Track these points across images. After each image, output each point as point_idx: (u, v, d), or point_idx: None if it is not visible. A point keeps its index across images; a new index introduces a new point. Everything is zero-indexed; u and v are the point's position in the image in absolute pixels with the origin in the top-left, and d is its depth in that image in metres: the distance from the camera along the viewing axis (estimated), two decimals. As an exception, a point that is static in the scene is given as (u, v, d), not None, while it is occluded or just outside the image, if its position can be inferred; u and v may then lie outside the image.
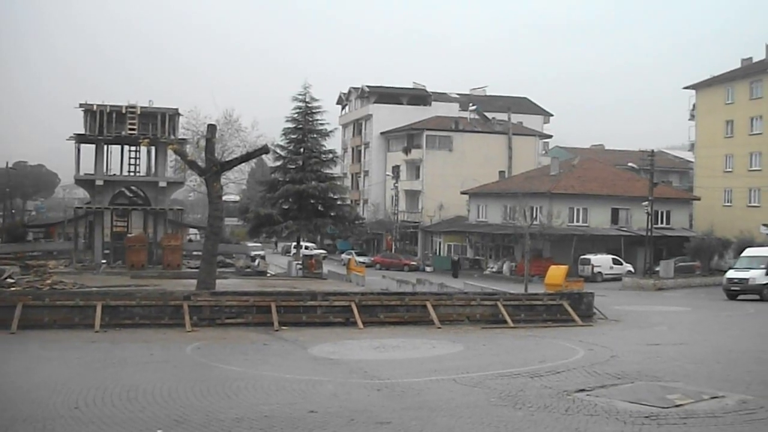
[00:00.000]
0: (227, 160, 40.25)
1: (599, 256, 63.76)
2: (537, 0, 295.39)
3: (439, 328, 26.93)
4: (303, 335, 24.23)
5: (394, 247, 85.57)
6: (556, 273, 40.47)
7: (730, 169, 74.62)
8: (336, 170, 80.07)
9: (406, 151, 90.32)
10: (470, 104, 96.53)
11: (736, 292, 45.96)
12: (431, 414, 13.55)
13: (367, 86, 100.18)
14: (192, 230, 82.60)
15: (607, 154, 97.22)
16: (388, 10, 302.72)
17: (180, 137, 60.74)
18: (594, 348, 22.49)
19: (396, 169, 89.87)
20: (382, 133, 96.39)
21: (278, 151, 67.47)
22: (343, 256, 78.58)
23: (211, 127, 36.57)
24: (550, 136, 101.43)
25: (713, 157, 75.36)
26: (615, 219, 69.68)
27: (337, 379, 16.96)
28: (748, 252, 49.21)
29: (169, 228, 59.52)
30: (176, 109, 58.64)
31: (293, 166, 67.41)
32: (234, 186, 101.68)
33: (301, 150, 67.44)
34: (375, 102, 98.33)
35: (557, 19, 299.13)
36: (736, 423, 12.94)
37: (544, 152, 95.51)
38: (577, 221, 68.30)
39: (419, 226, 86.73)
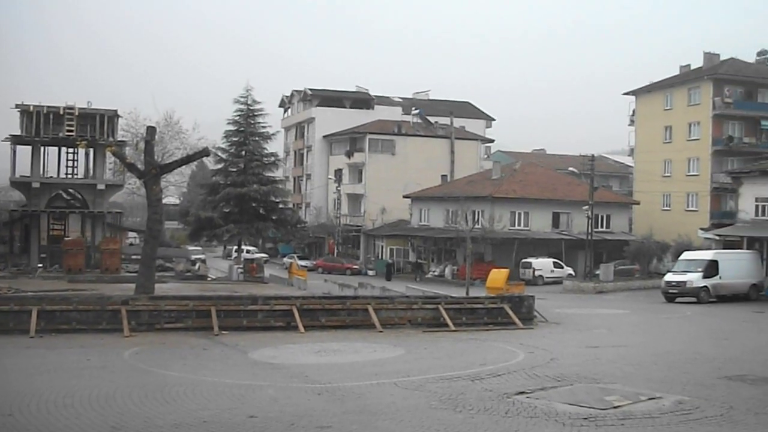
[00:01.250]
0: (167, 162, 39.98)
1: (540, 260, 64.36)
2: (478, 7, 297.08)
3: (381, 331, 26.88)
4: (243, 340, 24.03)
5: (336, 250, 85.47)
6: (498, 276, 40.66)
7: (668, 174, 75.99)
8: (278, 173, 79.73)
9: (349, 154, 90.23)
10: (413, 108, 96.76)
11: (674, 294, 46.71)
12: (372, 418, 13.52)
13: (310, 89, 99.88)
14: (131, 234, 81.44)
15: (549, 159, 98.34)
16: (330, 11, 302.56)
17: (119, 139, 60.01)
18: (534, 351, 22.66)
19: (338, 173, 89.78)
20: (324, 137, 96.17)
21: (219, 153, 67.03)
22: (285, 259, 78.33)
23: (151, 130, 36.21)
24: (493, 141, 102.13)
25: (652, 162, 76.65)
26: (556, 223, 70.41)
27: (278, 384, 16.85)
28: (686, 255, 50.08)
29: (107, 231, 58.63)
30: (115, 111, 57.85)
31: (235, 169, 67.02)
32: (174, 189, 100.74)
33: (243, 153, 67.08)
34: (318, 105, 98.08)
35: (500, 25, 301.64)
36: (672, 423, 13.14)
37: (486, 156, 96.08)
38: (519, 225, 68.87)
39: (362, 230, 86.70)
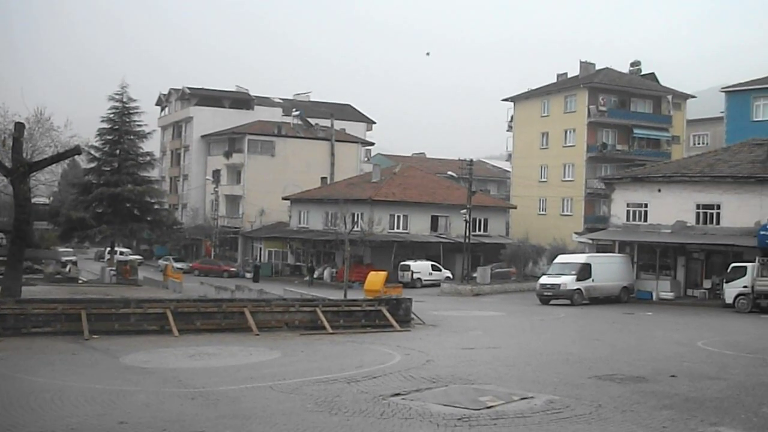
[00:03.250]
0: (36, 160, 38.55)
1: (419, 263, 64.87)
2: (360, 12, 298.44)
3: (257, 335, 26.59)
4: (115, 344, 23.38)
5: (213, 252, 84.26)
6: (375, 279, 40.87)
7: (545, 179, 77.97)
8: (154, 173, 77.89)
9: (228, 155, 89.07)
10: (293, 109, 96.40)
11: (549, 297, 47.80)
12: (246, 422, 13.33)
13: (188, 88, 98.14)
14: (-2, 234, 78.23)
15: (428, 163, 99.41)
16: (211, 9, 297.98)
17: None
18: (411, 353, 22.77)
19: (216, 174, 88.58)
20: (202, 137, 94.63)
21: (92, 152, 65.06)
22: (160, 262, 76.90)
23: (19, 126, 34.87)
24: (373, 144, 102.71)
25: (529, 168, 78.53)
26: (434, 226, 71.15)
27: (150, 389, 16.43)
28: (561, 259, 51.36)
29: (-30, 232, 56.21)
30: (-21, 106, 55.38)
31: (108, 168, 65.24)
32: (44, 188, 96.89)
33: (117, 152, 65.36)
34: (196, 104, 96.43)
35: (382, 30, 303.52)
36: (543, 422, 13.37)
37: (366, 159, 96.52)
38: (398, 228, 69.32)
39: (240, 232, 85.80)
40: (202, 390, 16.22)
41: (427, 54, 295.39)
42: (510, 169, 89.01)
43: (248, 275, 72.42)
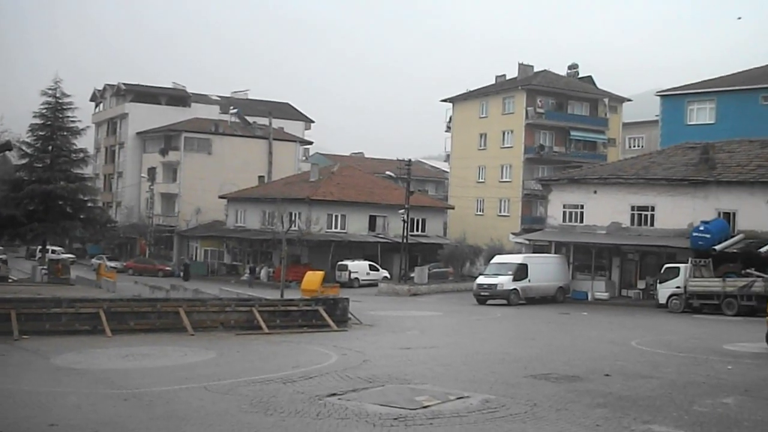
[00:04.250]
0: (-34, 156, 37.47)
1: (356, 262, 64.79)
2: (297, 10, 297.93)
3: (192, 335, 26.29)
4: (46, 344, 22.86)
5: (148, 251, 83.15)
6: (313, 279, 40.66)
7: (482, 180, 78.57)
8: (87, 170, 76.69)
9: (164, 152, 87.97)
10: (231, 107, 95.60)
11: (486, 297, 48.06)
12: (180, 423, 13.13)
13: (124, 84, 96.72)
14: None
15: (367, 162, 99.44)
16: (145, 4, 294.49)
17: None
18: (347, 353, 22.70)
19: (152, 171, 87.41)
20: (138, 134, 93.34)
21: (24, 148, 63.73)
22: (94, 260, 75.67)
23: (-53, 121, 33.92)
24: (311, 143, 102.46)
25: (467, 168, 79.02)
26: (372, 226, 71.14)
27: (82, 390, 16.08)
28: (497, 259, 51.72)
29: None
30: None
31: (40, 165, 63.86)
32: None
33: (50, 148, 64.03)
34: (132, 101, 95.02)
35: (321, 27, 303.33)
36: (479, 422, 13.39)
37: (304, 158, 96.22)
38: (336, 227, 69.15)
39: (175, 231, 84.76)
40: (135, 391, 15.93)
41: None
42: (448, 170, 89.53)
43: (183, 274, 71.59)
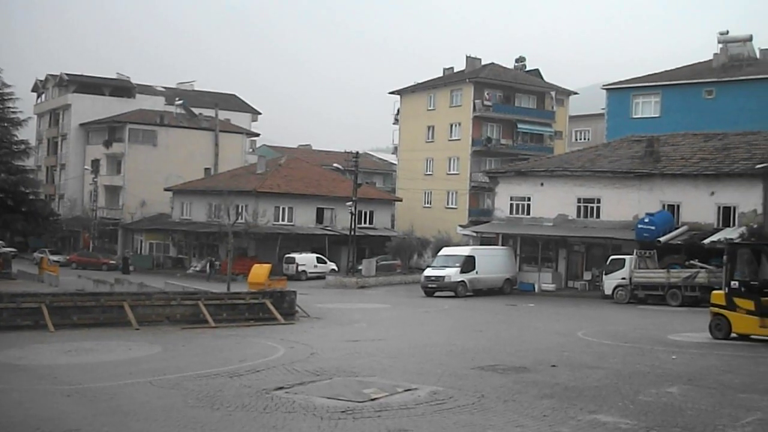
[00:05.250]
0: None
1: (304, 255, 64.56)
2: (242, 3, 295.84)
3: (137, 329, 25.99)
4: (-15, 340, 22.41)
5: (92, 245, 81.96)
6: (259, 272, 40.45)
7: (430, 173, 78.80)
8: (29, 162, 75.15)
9: (107, 144, 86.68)
10: (177, 98, 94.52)
11: (433, 289, 48.22)
12: (124, 419, 12.94)
13: (66, 74, 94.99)
14: None
15: (314, 155, 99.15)
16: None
17: None
18: (295, 346, 22.59)
19: (96, 163, 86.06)
20: (81, 125, 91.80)
21: (-38, 139, 62.26)
22: (36, 254, 74.29)
23: None
24: (258, 135, 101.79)
25: (415, 161, 79.15)
26: (320, 218, 70.95)
27: (23, 386, 15.83)
28: (445, 251, 51.92)
29: None
30: None
31: (-20, 157, 62.45)
32: None
33: (-10, 139, 62.63)
34: (75, 91, 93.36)
35: (266, 20, 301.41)
36: (426, 413, 13.37)
37: (251, 150, 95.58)
38: (283, 220, 68.84)
39: (120, 224, 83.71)
40: (78, 387, 15.69)
41: None
42: (396, 162, 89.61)
43: (129, 268, 70.62)
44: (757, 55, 61.03)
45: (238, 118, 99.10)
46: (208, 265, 65.47)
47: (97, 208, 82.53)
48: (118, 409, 13.71)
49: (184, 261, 73.03)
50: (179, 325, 27.53)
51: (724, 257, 26.96)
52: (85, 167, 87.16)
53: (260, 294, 32.16)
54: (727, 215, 44.64)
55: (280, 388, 15.50)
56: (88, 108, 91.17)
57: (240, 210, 61.43)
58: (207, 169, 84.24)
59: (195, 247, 73.89)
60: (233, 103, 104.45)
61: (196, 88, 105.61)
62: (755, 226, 41.74)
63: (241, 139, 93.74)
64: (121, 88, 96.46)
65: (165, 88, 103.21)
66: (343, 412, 13.39)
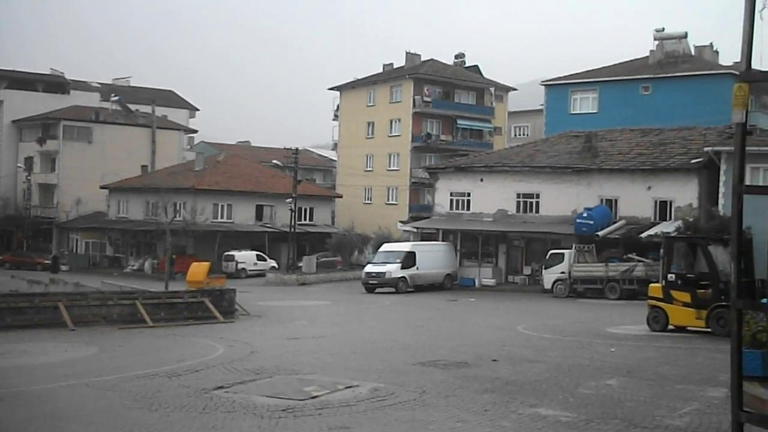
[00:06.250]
0: None
1: (243, 253, 64.09)
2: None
3: (73, 330, 25.56)
4: None
5: (25, 244, 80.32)
6: (198, 270, 40.03)
7: (370, 169, 78.76)
8: (-40, 161, 73.57)
9: (41, 141, 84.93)
10: (112, 95, 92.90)
11: (374, 285, 48.19)
12: (60, 422, 12.69)
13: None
14: None
15: (253, 151, 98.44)
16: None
17: None
18: (234, 344, 22.42)
19: (29, 161, 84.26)
20: (13, 122, 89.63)
21: None
22: (-33, 255, 72.64)
23: None
24: (196, 131, 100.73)
25: (355, 157, 79.07)
26: (260, 215, 70.50)
27: (-46, 392, 15.37)
28: (386, 247, 51.89)
29: None
30: None
31: None
32: None
33: None
34: (6, 87, 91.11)
35: (203, 14, 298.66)
36: (368, 410, 13.34)
37: (189, 147, 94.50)
38: (222, 217, 68.27)
39: (54, 223, 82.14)
40: (12, 390, 15.34)
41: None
42: (336, 159, 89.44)
43: (63, 268, 69.35)
44: (692, 52, 62.11)
45: (176, 115, 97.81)
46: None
47: (31, 207, 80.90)
48: (53, 412, 13.44)
49: (121, 260, 71.99)
50: (116, 325, 27.14)
51: (661, 251, 27.40)
52: (18, 165, 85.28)
53: (199, 292, 31.91)
54: (663, 209, 45.41)
55: (220, 387, 15.35)
56: (20, 104, 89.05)
57: (178, 207, 60.77)
58: (144, 167, 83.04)
59: (132, 246, 72.88)
60: (171, 99, 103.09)
61: (132, 84, 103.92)
62: (691, 219, 42.45)
63: (179, 136, 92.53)
64: (55, 83, 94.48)
65: (100, 83, 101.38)
66: (283, 410, 13.28)
